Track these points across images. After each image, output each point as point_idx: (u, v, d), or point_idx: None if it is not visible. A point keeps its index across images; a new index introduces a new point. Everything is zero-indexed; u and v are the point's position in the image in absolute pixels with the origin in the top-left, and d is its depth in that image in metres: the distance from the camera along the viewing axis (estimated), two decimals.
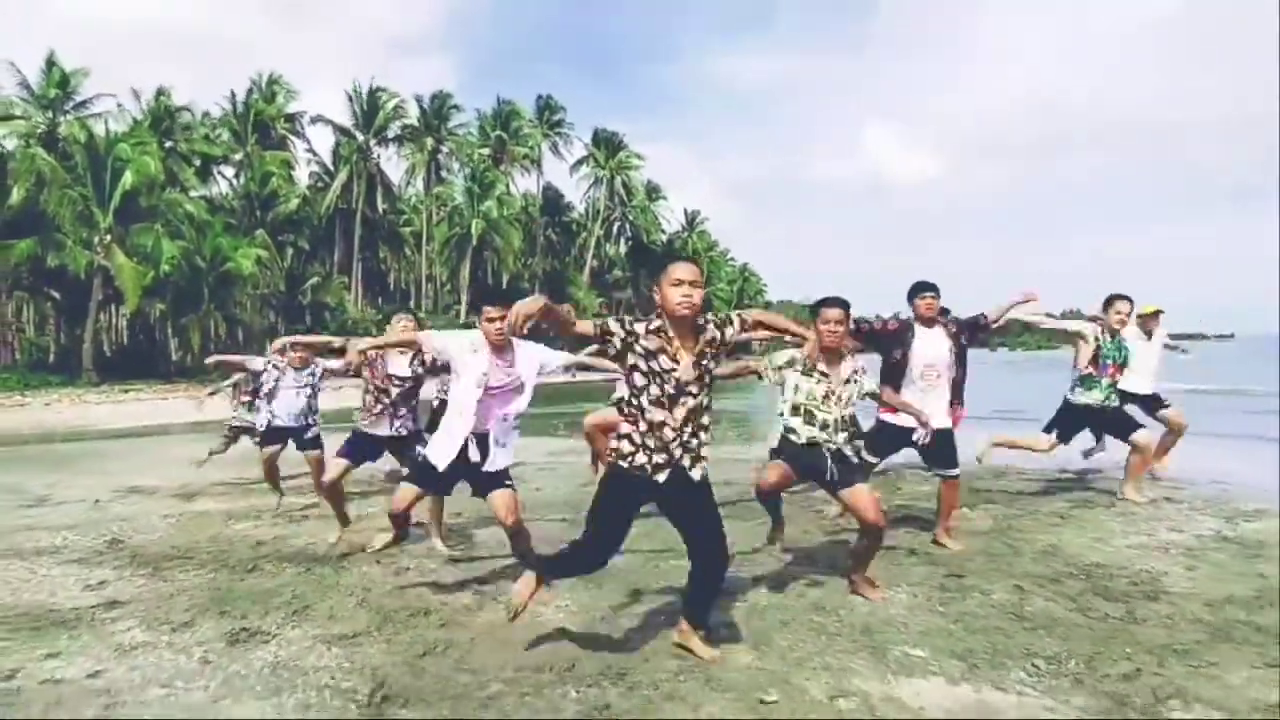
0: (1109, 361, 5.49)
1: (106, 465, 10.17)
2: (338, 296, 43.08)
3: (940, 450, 4.35)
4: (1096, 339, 5.49)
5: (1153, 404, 6.60)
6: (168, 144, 37.85)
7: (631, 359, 2.74)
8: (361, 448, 4.78)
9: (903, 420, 4.32)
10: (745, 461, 7.98)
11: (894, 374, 4.45)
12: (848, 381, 3.62)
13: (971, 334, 4.60)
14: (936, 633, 3.18)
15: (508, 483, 3.76)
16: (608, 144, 60.63)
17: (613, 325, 2.76)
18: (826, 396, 3.57)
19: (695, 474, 2.80)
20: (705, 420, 2.81)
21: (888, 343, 4.47)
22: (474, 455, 3.66)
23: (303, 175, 47.32)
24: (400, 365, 4.71)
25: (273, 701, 2.71)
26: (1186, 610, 3.36)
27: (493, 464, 3.69)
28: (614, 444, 2.84)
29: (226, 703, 2.71)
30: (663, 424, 2.74)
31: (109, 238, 31.19)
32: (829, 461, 3.52)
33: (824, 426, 3.55)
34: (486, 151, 52.12)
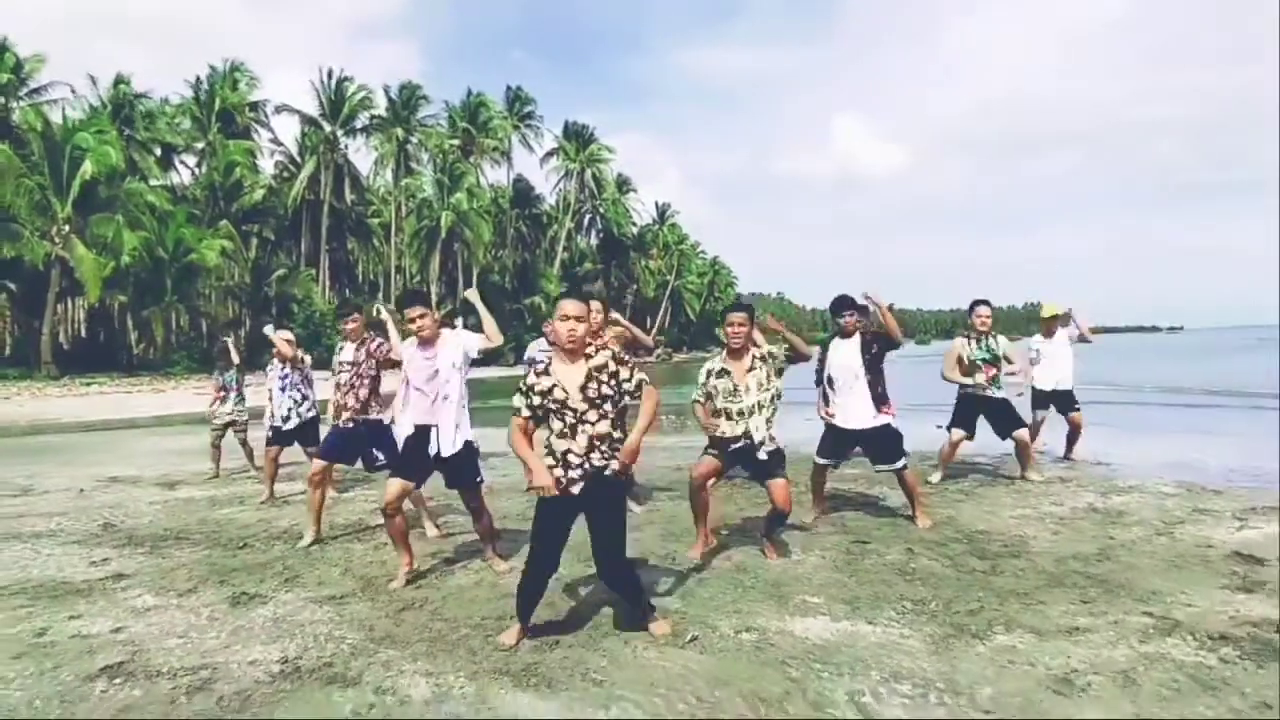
0: (980, 364, 6.25)
1: (83, 457, 10.46)
2: (305, 288, 42.83)
3: (879, 447, 5.00)
4: (967, 352, 6.25)
5: (1064, 401, 7.37)
6: (127, 132, 37.25)
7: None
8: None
9: (839, 421, 5.02)
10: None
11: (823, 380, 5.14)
12: (750, 370, 4.22)
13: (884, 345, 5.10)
14: (833, 585, 3.84)
15: (478, 480, 4.24)
16: (578, 136, 60.86)
17: (519, 402, 3.14)
18: (734, 390, 4.21)
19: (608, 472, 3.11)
20: (616, 437, 3.10)
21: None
22: (433, 448, 4.06)
23: (267, 165, 46.83)
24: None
25: (277, 645, 3.25)
26: (1038, 564, 4.07)
27: (454, 445, 4.11)
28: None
29: (237, 647, 3.25)
30: (568, 451, 3.07)
31: (67, 228, 30.75)
32: (754, 455, 4.18)
33: (740, 415, 4.18)
34: (456, 143, 52.02)
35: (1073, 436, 7.45)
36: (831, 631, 3.24)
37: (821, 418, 5.16)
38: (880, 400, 4.98)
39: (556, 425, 3.10)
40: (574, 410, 3.07)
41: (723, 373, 4.26)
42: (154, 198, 35.22)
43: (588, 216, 64.52)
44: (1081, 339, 7.57)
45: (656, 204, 77.83)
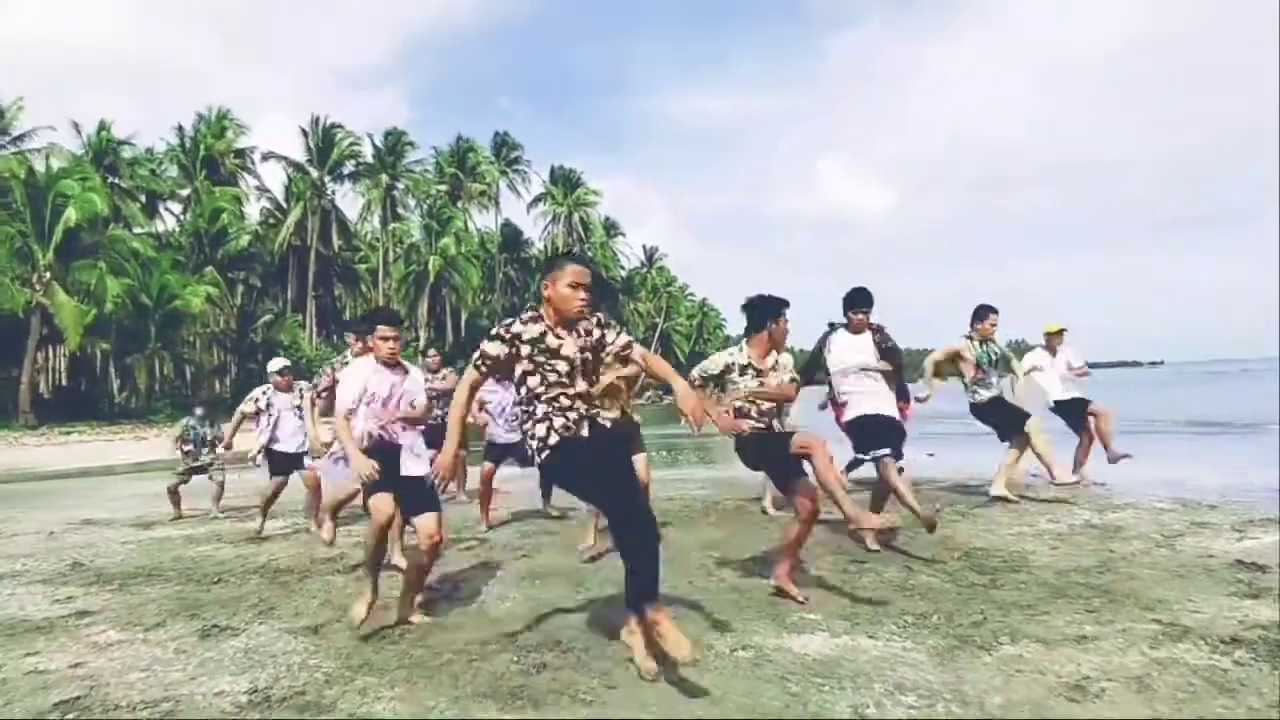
0: (987, 365, 6.23)
1: (56, 502, 10.16)
2: (291, 334, 42.62)
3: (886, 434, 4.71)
4: (973, 350, 6.23)
5: (1080, 408, 7.22)
6: (112, 179, 37.35)
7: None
8: None
9: (867, 409, 4.74)
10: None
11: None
12: (774, 369, 3.95)
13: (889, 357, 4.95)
14: (830, 602, 3.71)
15: (438, 508, 3.70)
16: (565, 180, 61.65)
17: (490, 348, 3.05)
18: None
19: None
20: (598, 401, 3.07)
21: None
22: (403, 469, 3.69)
23: (254, 211, 47.03)
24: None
25: (247, 676, 3.07)
26: (1039, 577, 3.96)
27: (407, 470, 3.74)
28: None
29: (204, 679, 3.07)
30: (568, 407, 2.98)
31: (49, 275, 30.55)
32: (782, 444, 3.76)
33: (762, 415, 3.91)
34: (444, 188, 52.55)
35: (1086, 450, 7.21)
36: (831, 646, 3.10)
37: (842, 425, 4.91)
38: (900, 394, 4.88)
39: (551, 377, 2.96)
40: (571, 365, 2.99)
41: (748, 369, 3.91)
42: (138, 244, 35.19)
43: None
44: (1079, 373, 7.51)
45: (644, 247, 78.49)
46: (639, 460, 4.79)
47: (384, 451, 3.73)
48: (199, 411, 8.62)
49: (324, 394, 5.52)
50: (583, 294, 2.98)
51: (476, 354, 3.08)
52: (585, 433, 2.98)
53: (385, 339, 3.87)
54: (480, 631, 3.46)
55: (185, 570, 5.19)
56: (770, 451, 3.83)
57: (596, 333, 3.10)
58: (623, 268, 70.32)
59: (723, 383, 3.99)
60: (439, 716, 2.60)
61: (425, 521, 3.59)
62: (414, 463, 3.78)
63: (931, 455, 10.30)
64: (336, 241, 48.35)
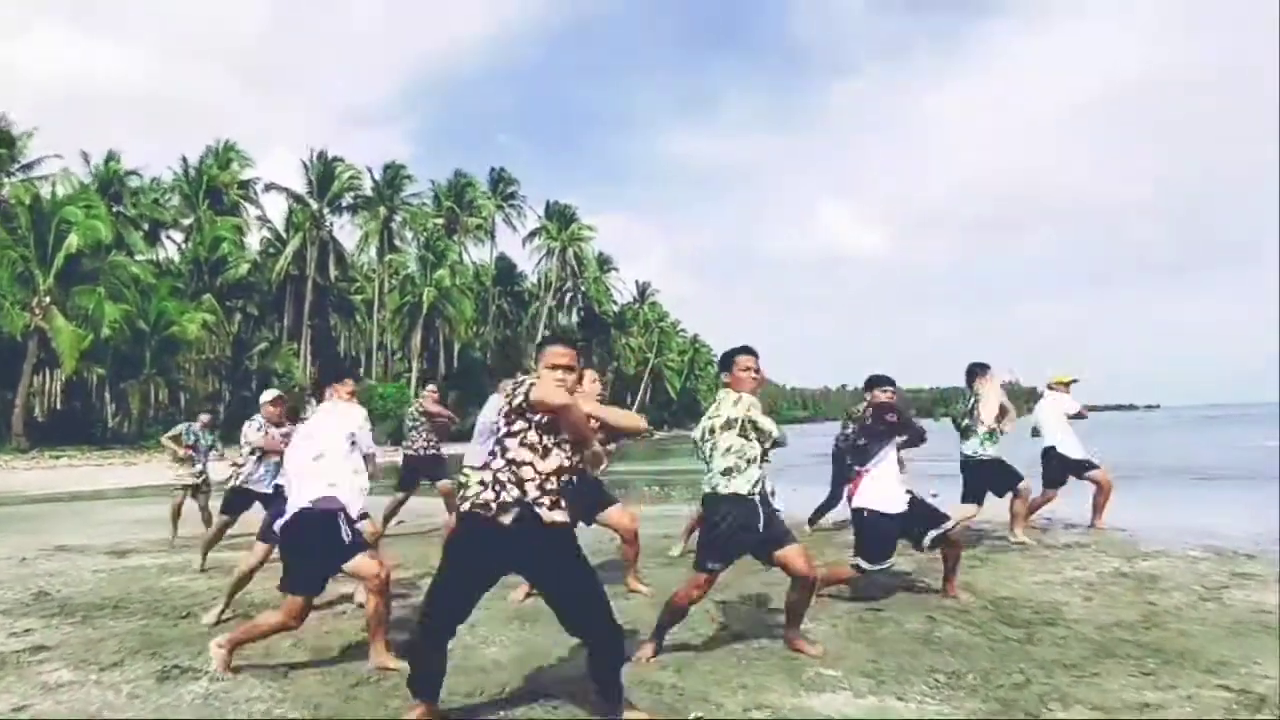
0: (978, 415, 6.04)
1: (34, 526, 9.79)
2: (286, 363, 42.35)
3: (920, 516, 4.29)
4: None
5: (1079, 467, 6.96)
6: (116, 208, 37.48)
7: None
8: None
9: (882, 507, 4.22)
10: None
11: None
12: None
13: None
14: (850, 655, 3.38)
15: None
16: (560, 216, 62.02)
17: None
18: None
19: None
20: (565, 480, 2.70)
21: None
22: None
23: (254, 241, 47.14)
24: None
25: None
26: (1078, 632, 3.64)
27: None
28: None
29: None
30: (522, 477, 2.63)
31: (48, 299, 30.40)
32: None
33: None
34: (440, 221, 52.81)
35: (1100, 500, 6.94)
36: (857, 709, 2.78)
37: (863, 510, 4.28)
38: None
39: (529, 439, 2.64)
40: (552, 439, 2.66)
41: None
42: (138, 270, 35.09)
43: (569, 294, 65.00)
44: (1078, 415, 7.26)
45: (637, 282, 78.75)
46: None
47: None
48: (204, 418, 8.27)
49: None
50: (560, 375, 2.68)
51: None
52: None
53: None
54: (466, 680, 3.12)
55: (153, 603, 4.85)
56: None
57: None
58: (615, 303, 70.39)
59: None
60: None
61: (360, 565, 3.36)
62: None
63: (935, 495, 9.94)
64: (333, 272, 48.38)
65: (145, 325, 33.83)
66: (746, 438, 3.36)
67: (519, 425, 2.66)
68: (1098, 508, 6.90)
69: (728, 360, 3.54)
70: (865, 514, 4.22)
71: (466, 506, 2.66)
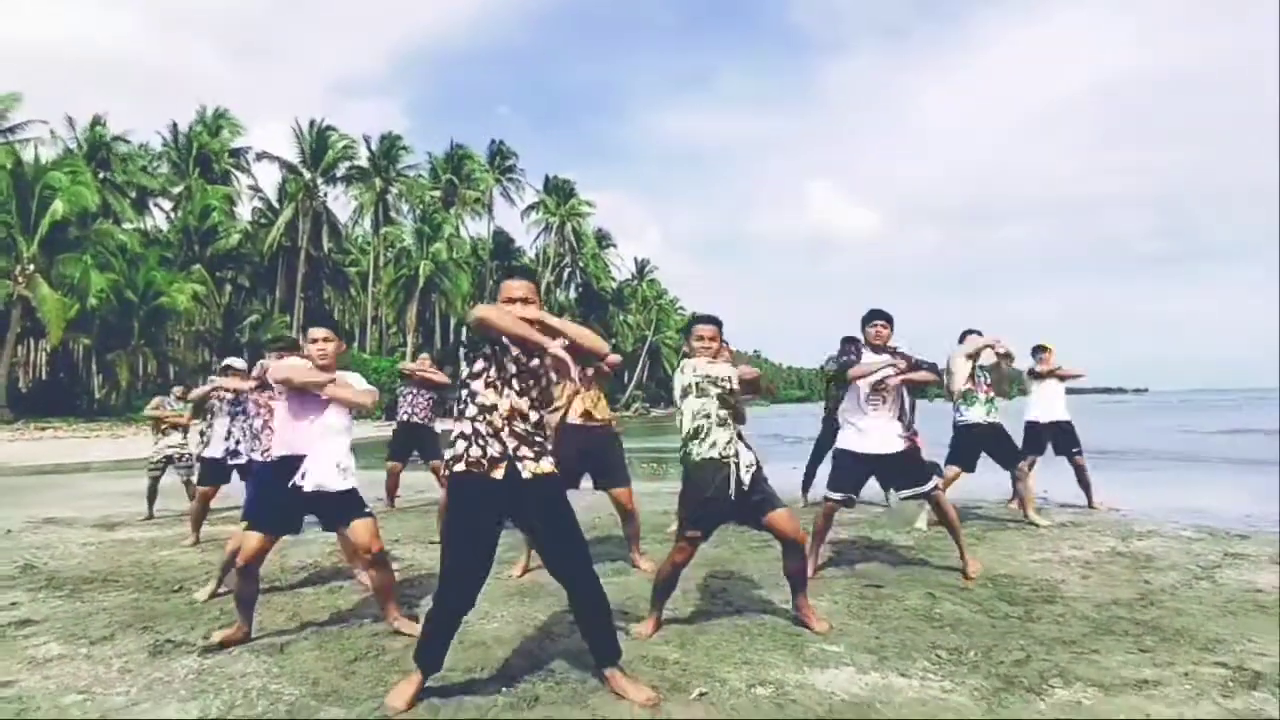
0: (982, 381, 5.94)
1: (20, 498, 9.68)
2: (278, 335, 41.98)
3: (902, 471, 4.32)
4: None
5: (1064, 439, 6.97)
6: (103, 174, 36.81)
7: None
8: None
9: (858, 446, 4.34)
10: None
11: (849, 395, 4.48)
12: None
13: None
14: (852, 632, 3.37)
15: (366, 510, 3.41)
16: (559, 190, 61.40)
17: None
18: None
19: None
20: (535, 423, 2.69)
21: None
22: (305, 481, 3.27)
23: (245, 211, 46.49)
24: None
25: (197, 702, 2.70)
26: (1077, 610, 3.64)
27: (331, 483, 3.34)
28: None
29: (146, 705, 2.69)
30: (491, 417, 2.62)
31: (32, 267, 29.93)
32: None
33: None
34: (437, 194, 52.16)
35: (1085, 481, 7.00)
36: (860, 685, 2.76)
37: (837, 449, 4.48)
38: (907, 425, 4.41)
39: (492, 374, 2.62)
40: (512, 369, 2.64)
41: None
42: (125, 239, 34.59)
43: (567, 270, 64.62)
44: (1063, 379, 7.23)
45: (636, 259, 78.52)
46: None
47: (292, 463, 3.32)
48: (178, 390, 8.23)
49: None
50: (516, 308, 2.61)
51: None
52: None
53: (315, 340, 3.45)
54: (466, 657, 3.09)
55: (144, 576, 4.79)
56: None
57: None
58: (614, 279, 70.09)
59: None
60: None
61: (356, 528, 3.35)
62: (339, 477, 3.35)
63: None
64: (327, 244, 47.80)
65: (133, 295, 33.40)
66: (707, 395, 3.32)
67: (479, 365, 2.64)
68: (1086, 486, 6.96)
69: (688, 329, 3.57)
70: (836, 451, 4.49)
71: (461, 466, 2.61)
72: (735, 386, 3.36)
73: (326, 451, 3.32)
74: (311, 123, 46.71)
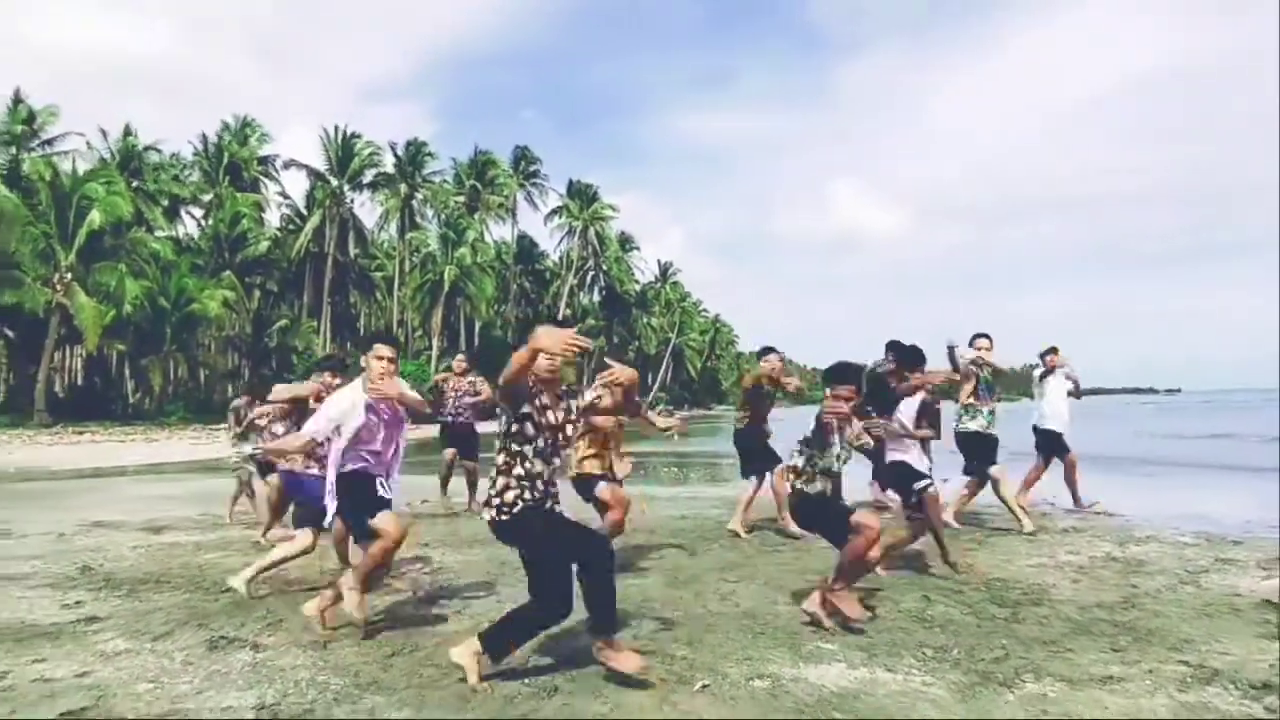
0: (986, 395, 6.19)
1: (66, 502, 10.18)
2: (306, 340, 42.88)
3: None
4: (976, 376, 6.19)
5: (1062, 445, 7.15)
6: (135, 183, 37.88)
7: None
8: None
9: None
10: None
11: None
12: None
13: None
14: (848, 631, 3.63)
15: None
16: (581, 195, 61.90)
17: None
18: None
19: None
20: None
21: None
22: (382, 492, 3.76)
23: (274, 218, 47.51)
24: None
25: (253, 692, 3.03)
26: (1061, 612, 3.87)
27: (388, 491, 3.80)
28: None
29: (210, 694, 3.03)
30: (541, 476, 3.10)
31: (69, 276, 30.92)
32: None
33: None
34: (461, 199, 52.89)
35: (1072, 479, 7.17)
36: (849, 679, 3.03)
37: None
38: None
39: (540, 445, 3.09)
40: (559, 438, 3.15)
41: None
42: (158, 247, 35.57)
43: (590, 273, 65.12)
44: (1073, 392, 7.38)
45: (659, 262, 78.83)
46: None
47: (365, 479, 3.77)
48: (244, 399, 8.05)
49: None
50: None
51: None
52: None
53: (381, 358, 3.78)
54: None
55: (193, 577, 5.17)
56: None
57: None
58: (637, 282, 70.47)
59: None
60: None
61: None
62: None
63: (945, 480, 10.17)
64: (354, 249, 48.73)
65: (166, 302, 34.36)
66: None
67: (530, 431, 3.10)
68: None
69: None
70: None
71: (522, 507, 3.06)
72: None
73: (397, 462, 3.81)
74: (338, 129, 47.64)
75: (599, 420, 4.24)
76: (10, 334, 33.47)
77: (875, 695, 2.85)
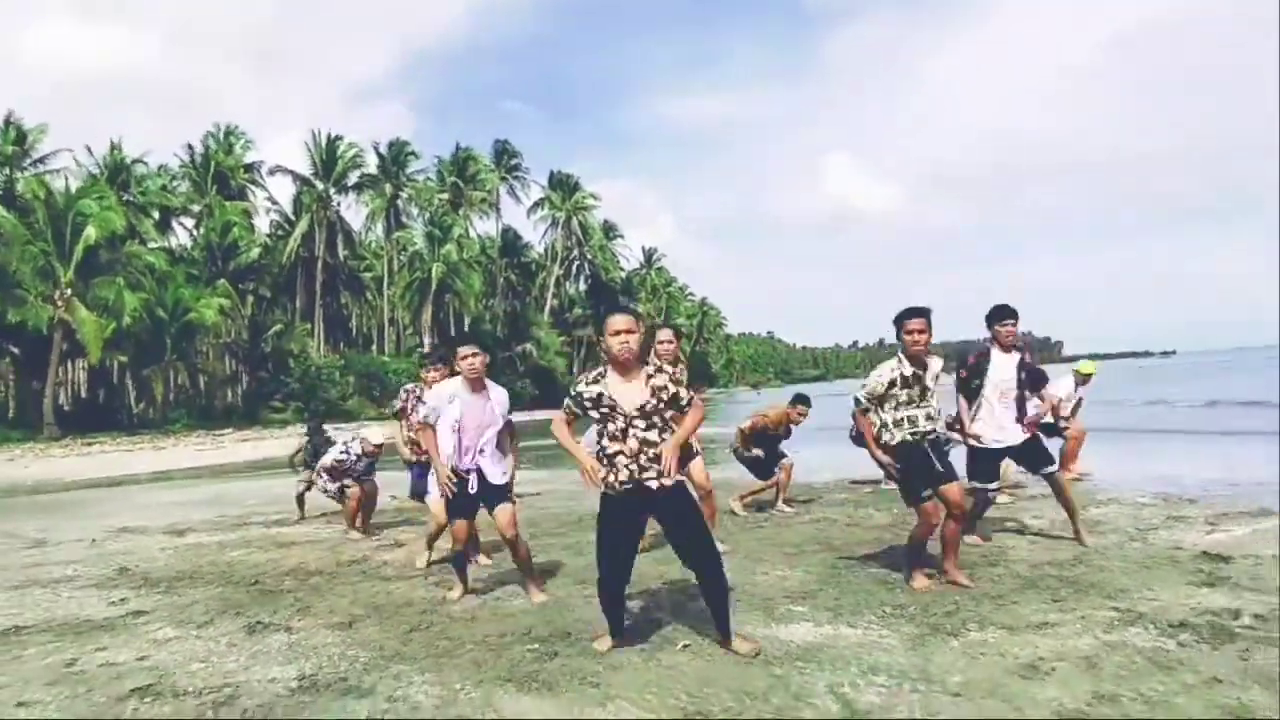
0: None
1: (88, 511, 10.59)
2: (300, 343, 43.27)
3: (1033, 455, 4.85)
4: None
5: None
6: (125, 196, 38.10)
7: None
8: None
9: (991, 440, 4.77)
10: None
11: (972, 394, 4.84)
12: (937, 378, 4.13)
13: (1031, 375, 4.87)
14: (818, 596, 4.05)
15: (510, 497, 4.31)
16: (563, 185, 62.15)
17: (567, 403, 3.36)
18: (924, 393, 4.10)
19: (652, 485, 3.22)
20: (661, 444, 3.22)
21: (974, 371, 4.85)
22: (474, 485, 4.20)
23: (263, 224, 47.78)
24: None
25: (294, 665, 3.44)
26: (1014, 570, 4.29)
27: (493, 478, 4.24)
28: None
29: (256, 668, 3.44)
30: (617, 454, 3.23)
31: (69, 292, 31.24)
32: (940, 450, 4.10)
33: (929, 419, 4.10)
34: (445, 196, 53.15)
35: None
36: (815, 635, 3.44)
37: (968, 441, 4.88)
38: (1022, 417, 4.79)
39: (609, 428, 3.25)
40: (625, 416, 3.22)
41: (913, 378, 4.07)
42: (153, 259, 35.86)
43: (575, 263, 65.44)
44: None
45: (643, 248, 79.32)
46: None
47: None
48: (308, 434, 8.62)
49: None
50: (623, 339, 3.20)
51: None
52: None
53: (465, 358, 4.19)
54: (498, 625, 3.81)
55: (223, 573, 5.58)
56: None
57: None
58: (621, 269, 70.77)
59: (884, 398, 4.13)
60: (465, 696, 2.96)
61: (498, 515, 4.25)
62: (495, 471, 4.29)
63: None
64: (342, 251, 49.05)
65: (164, 312, 34.72)
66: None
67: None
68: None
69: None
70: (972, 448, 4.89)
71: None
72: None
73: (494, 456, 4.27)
74: (321, 133, 47.86)
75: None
76: (15, 351, 33.79)
77: (836, 647, 3.26)
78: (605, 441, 3.27)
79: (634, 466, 3.21)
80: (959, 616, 3.56)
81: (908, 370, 4.06)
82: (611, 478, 3.25)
